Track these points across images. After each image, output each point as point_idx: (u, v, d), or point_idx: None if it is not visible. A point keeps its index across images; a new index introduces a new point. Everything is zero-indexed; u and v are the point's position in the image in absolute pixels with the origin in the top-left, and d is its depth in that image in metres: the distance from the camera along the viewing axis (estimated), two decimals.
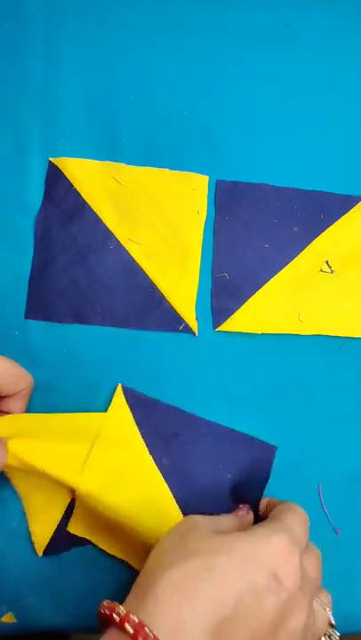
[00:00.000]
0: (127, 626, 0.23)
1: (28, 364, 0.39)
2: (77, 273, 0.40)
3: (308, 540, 0.30)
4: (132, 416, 0.38)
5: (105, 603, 0.25)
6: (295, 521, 0.29)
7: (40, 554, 0.37)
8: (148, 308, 0.40)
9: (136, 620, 0.23)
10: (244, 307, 0.41)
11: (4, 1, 0.44)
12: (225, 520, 0.31)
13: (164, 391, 0.40)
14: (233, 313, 0.41)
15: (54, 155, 0.42)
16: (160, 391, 0.40)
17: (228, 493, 0.38)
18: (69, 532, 0.37)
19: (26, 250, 0.41)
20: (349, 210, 0.43)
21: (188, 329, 0.40)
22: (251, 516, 0.35)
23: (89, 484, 0.35)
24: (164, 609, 0.23)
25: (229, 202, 0.42)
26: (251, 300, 0.41)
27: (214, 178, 0.43)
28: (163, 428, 0.39)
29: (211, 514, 0.32)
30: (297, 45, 0.46)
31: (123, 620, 0.23)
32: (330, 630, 0.29)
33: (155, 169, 0.42)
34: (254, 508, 0.37)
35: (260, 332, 0.41)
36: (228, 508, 0.36)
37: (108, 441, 0.37)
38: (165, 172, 0.42)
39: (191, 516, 0.30)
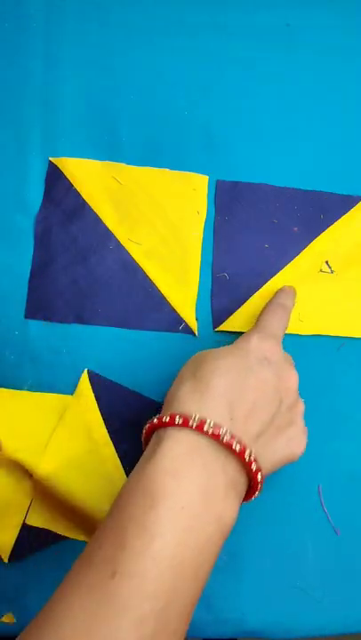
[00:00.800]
0: (165, 418, 0.28)
1: (27, 364, 0.39)
2: (77, 273, 0.40)
3: (285, 324, 0.36)
4: (95, 400, 0.39)
5: (146, 424, 0.30)
6: (271, 320, 0.35)
7: (6, 560, 0.37)
8: (148, 308, 0.40)
9: (167, 417, 0.28)
10: (243, 307, 0.41)
11: (4, 1, 0.44)
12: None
13: (163, 391, 0.40)
14: (233, 313, 0.41)
15: (54, 155, 0.42)
16: (160, 391, 0.40)
17: None
18: (30, 532, 0.37)
19: (26, 250, 0.41)
20: (349, 210, 0.43)
21: (187, 329, 0.40)
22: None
23: (49, 464, 0.36)
24: (186, 403, 0.29)
25: (229, 202, 0.42)
26: (251, 299, 0.41)
27: (214, 178, 0.43)
28: (126, 414, 0.39)
29: None
30: (297, 45, 0.46)
31: (160, 419, 0.29)
32: None
33: (155, 169, 0.42)
34: None
35: None
36: None
37: (71, 423, 0.38)
38: (165, 172, 0.42)
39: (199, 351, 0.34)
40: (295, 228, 0.42)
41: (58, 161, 0.42)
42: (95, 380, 0.39)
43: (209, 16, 0.46)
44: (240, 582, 0.38)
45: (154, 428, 0.29)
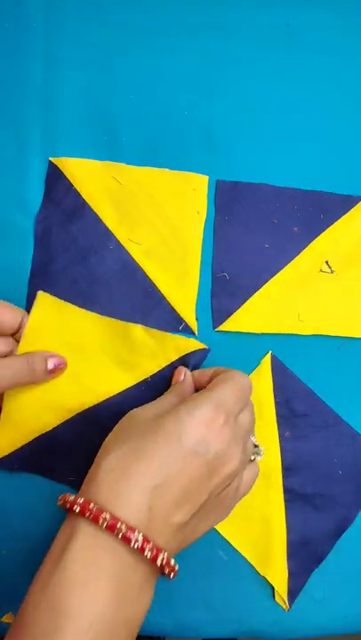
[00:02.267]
0: (75, 507, 0.27)
1: None
2: (77, 273, 0.40)
3: (244, 403, 0.32)
4: (272, 382, 0.40)
5: (60, 497, 0.28)
6: (225, 389, 0.31)
7: None
8: (148, 308, 0.40)
9: (81, 501, 0.27)
10: (243, 307, 0.41)
11: (4, 1, 0.44)
12: (164, 400, 0.34)
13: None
14: (233, 313, 0.41)
15: (54, 155, 0.42)
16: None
17: (335, 488, 0.40)
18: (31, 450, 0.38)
19: (26, 250, 0.41)
20: (349, 210, 0.43)
21: (188, 329, 0.40)
22: (188, 380, 0.36)
23: None
24: (103, 487, 0.27)
25: (229, 202, 0.42)
26: (251, 299, 0.41)
27: (214, 178, 0.43)
28: (295, 404, 0.40)
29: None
30: (297, 45, 0.46)
31: (72, 504, 0.27)
32: (255, 449, 0.33)
33: (155, 169, 0.42)
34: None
35: (259, 332, 0.41)
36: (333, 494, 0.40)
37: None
38: (165, 172, 0.42)
39: (131, 410, 0.33)
40: (295, 228, 0.42)
41: (58, 161, 0.42)
42: (276, 364, 0.41)
43: (209, 16, 0.46)
44: (240, 582, 0.38)
45: (67, 505, 0.28)
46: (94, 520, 0.26)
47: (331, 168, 0.44)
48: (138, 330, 0.38)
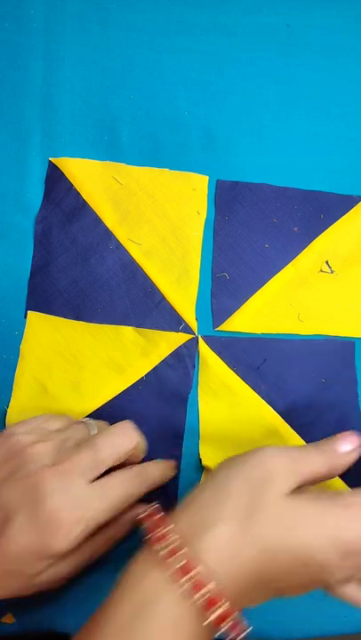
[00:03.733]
0: (178, 562, 0.25)
1: None
2: (77, 273, 0.40)
3: None
4: (220, 359, 0.40)
5: (155, 518, 0.27)
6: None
7: None
8: (148, 308, 0.40)
9: (184, 558, 0.25)
10: (243, 307, 0.41)
11: (4, 1, 0.44)
12: (307, 464, 0.28)
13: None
14: (233, 313, 0.41)
15: (54, 155, 0.42)
16: None
17: (328, 397, 0.40)
18: None
19: (26, 250, 0.41)
20: (350, 210, 0.43)
21: (188, 329, 0.40)
22: (351, 456, 0.29)
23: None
24: (214, 561, 0.25)
25: (229, 202, 0.42)
26: (251, 300, 0.41)
27: (214, 178, 0.43)
28: (250, 359, 0.40)
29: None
30: (297, 46, 0.46)
31: (173, 552, 0.25)
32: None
33: (155, 169, 0.42)
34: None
35: (259, 332, 0.41)
36: (331, 415, 0.39)
37: (207, 388, 0.39)
38: (165, 172, 0.42)
39: (263, 453, 0.28)
40: (295, 228, 0.42)
41: (58, 161, 0.42)
42: (209, 341, 0.40)
43: (209, 16, 0.46)
44: None
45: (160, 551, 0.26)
46: (192, 592, 0.24)
47: (331, 168, 0.44)
48: (127, 331, 0.39)
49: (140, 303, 0.40)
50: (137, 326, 0.40)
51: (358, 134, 0.45)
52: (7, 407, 0.38)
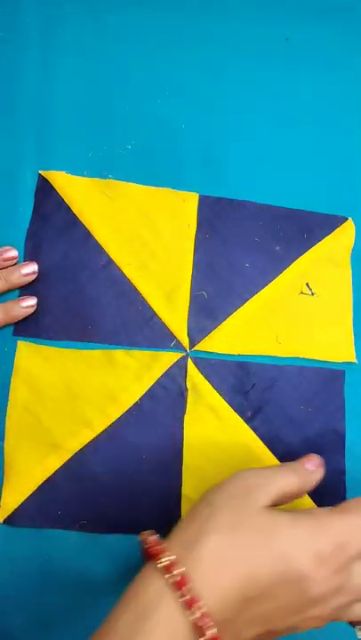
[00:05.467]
0: (170, 577, 0.26)
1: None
2: (67, 289, 0.40)
3: None
4: (208, 382, 0.39)
5: (151, 539, 0.28)
6: (357, 524, 0.28)
7: (0, 520, 0.37)
8: (139, 325, 0.40)
9: (180, 570, 0.26)
10: (221, 326, 0.40)
11: (0, 11, 0.44)
12: (281, 480, 0.30)
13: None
14: (209, 332, 0.40)
15: (47, 168, 0.42)
16: None
17: (314, 426, 0.40)
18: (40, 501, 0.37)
19: None
20: (333, 230, 0.42)
21: (180, 346, 0.40)
22: (317, 474, 0.32)
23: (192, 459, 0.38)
24: (204, 571, 0.26)
25: (211, 218, 0.42)
26: (228, 320, 0.40)
27: (208, 193, 0.42)
28: (239, 384, 0.39)
29: None
30: (296, 60, 0.46)
31: (167, 568, 0.26)
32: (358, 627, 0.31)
33: (144, 187, 0.42)
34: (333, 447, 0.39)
35: (236, 353, 0.40)
36: (316, 446, 0.39)
37: (194, 413, 0.39)
38: (156, 189, 0.42)
39: (242, 473, 0.30)
40: (277, 247, 0.41)
41: (48, 174, 0.41)
42: (199, 363, 0.40)
43: (207, 29, 0.45)
44: None
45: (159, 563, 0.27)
46: (187, 606, 0.25)
47: (316, 186, 0.43)
48: (119, 354, 0.39)
49: (130, 320, 0.40)
50: (128, 344, 0.39)
51: (348, 154, 0.44)
52: (2, 442, 0.38)
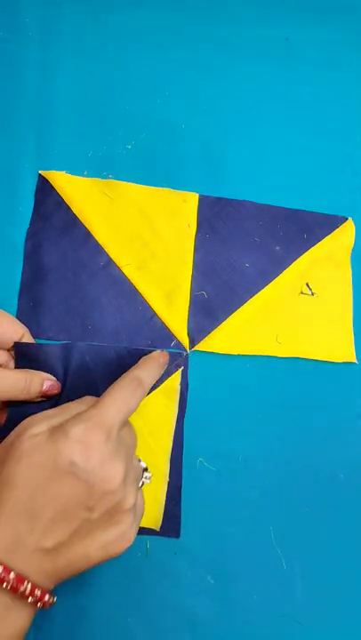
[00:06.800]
0: None
1: None
2: (67, 289, 0.40)
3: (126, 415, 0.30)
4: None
5: None
6: (112, 400, 0.30)
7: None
8: (139, 325, 0.40)
9: None
10: (221, 326, 0.40)
11: (0, 11, 0.45)
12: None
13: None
14: (209, 333, 0.40)
15: (47, 167, 0.42)
16: None
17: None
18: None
19: (16, 265, 0.40)
20: (333, 230, 0.42)
21: (180, 346, 0.40)
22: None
23: None
24: None
25: (211, 218, 0.42)
26: (228, 320, 0.40)
27: (208, 193, 0.42)
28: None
29: None
30: (296, 60, 0.46)
31: None
32: (144, 474, 0.32)
33: (144, 187, 0.42)
34: None
35: (236, 353, 0.40)
36: None
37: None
38: (155, 189, 0.42)
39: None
40: (277, 248, 0.41)
41: (48, 174, 0.41)
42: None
43: (208, 29, 0.46)
44: (226, 606, 0.37)
45: None
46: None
47: (317, 186, 0.43)
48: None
49: (131, 320, 0.40)
50: (128, 344, 0.39)
51: (349, 153, 0.44)
52: None
